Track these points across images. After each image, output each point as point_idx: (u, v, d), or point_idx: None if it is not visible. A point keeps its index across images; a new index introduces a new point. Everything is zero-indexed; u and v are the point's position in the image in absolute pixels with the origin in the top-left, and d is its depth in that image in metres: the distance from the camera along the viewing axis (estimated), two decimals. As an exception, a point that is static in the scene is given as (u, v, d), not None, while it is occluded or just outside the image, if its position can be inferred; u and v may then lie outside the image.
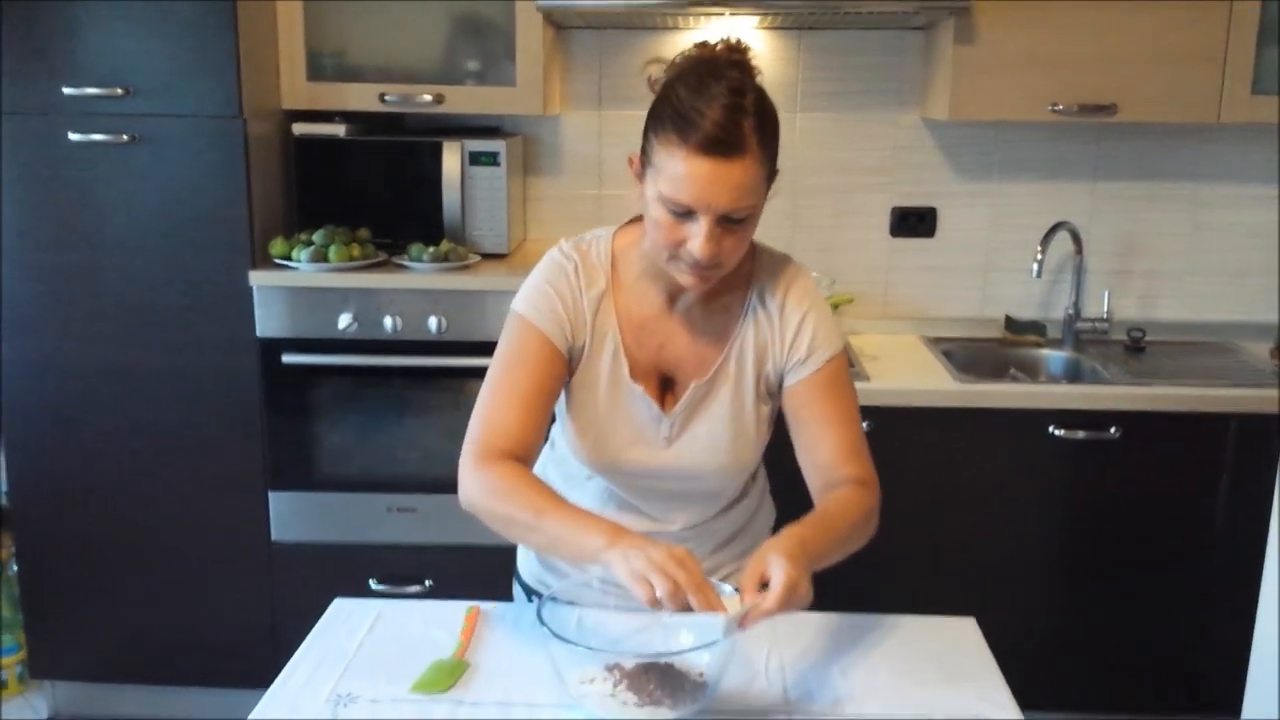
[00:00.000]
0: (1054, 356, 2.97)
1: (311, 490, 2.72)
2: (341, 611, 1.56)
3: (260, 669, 1.85)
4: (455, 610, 1.53)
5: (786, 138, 1.45)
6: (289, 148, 2.78)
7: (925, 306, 3.11)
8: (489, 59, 2.80)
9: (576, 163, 3.07)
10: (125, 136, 2.54)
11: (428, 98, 2.73)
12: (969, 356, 2.89)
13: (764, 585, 1.25)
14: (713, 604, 1.21)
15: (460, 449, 1.46)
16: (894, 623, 1.52)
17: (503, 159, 2.75)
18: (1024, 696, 1.36)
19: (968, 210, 3.06)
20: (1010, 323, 3.04)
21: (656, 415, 1.53)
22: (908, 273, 3.10)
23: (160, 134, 2.55)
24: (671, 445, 1.53)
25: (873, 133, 3.02)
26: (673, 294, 1.53)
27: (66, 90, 2.52)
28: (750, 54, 1.41)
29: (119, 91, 2.52)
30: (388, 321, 2.61)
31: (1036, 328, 3.02)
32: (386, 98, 2.74)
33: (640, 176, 1.43)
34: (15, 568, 2.84)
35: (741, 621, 1.23)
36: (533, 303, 1.51)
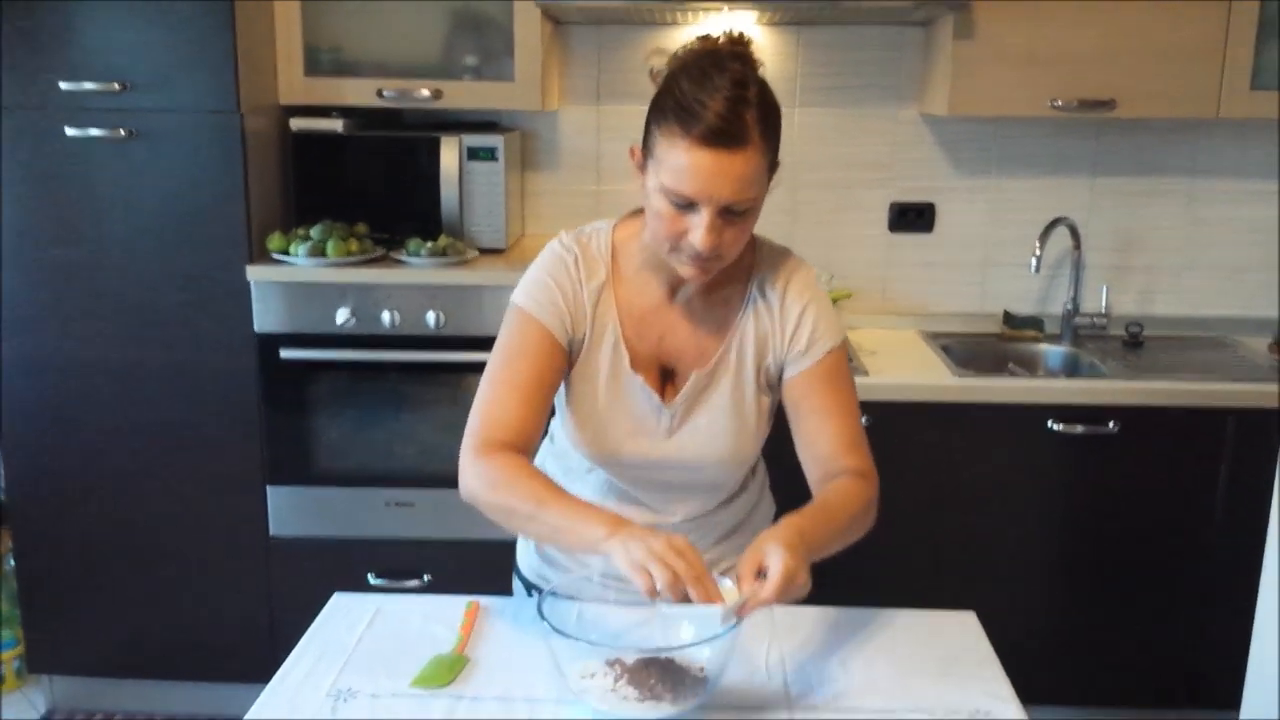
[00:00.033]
0: (1052, 351, 2.97)
1: (310, 485, 2.71)
2: (341, 606, 1.55)
3: (258, 664, 1.85)
4: (455, 605, 1.53)
5: (785, 133, 1.45)
6: (286, 143, 2.77)
7: (924, 302, 3.11)
8: (487, 54, 2.79)
9: (575, 158, 3.07)
10: (122, 132, 2.54)
11: (425, 93, 2.73)
12: (967, 351, 2.90)
13: (762, 575, 1.25)
14: (711, 596, 1.22)
15: (459, 443, 1.46)
16: (894, 617, 1.52)
17: (501, 154, 2.75)
18: (1022, 691, 1.36)
19: (967, 205, 3.05)
20: (1009, 318, 3.04)
21: (657, 406, 1.53)
22: (906, 268, 3.10)
23: (157, 129, 2.55)
24: (672, 436, 1.53)
25: (872, 128, 3.02)
26: (673, 285, 1.53)
27: (63, 85, 2.51)
28: (752, 46, 1.41)
29: (116, 86, 2.52)
30: (386, 316, 2.61)
31: (1035, 323, 3.02)
32: (384, 93, 2.73)
33: (642, 168, 1.43)
34: (13, 563, 2.83)
35: (739, 611, 1.23)
36: (533, 295, 1.51)
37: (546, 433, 1.67)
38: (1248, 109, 2.65)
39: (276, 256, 2.62)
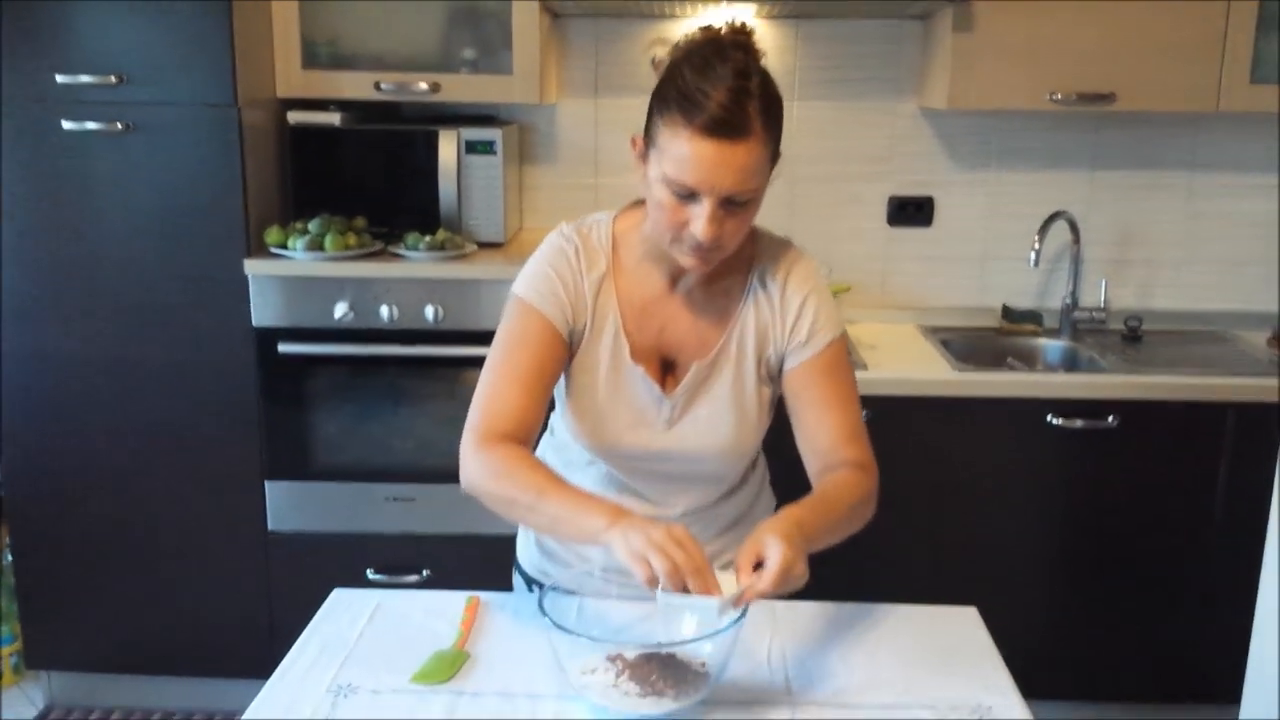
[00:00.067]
0: (1051, 346, 2.97)
1: (308, 480, 2.71)
2: (341, 602, 1.55)
3: (256, 659, 1.85)
4: (455, 600, 1.52)
5: (784, 126, 1.44)
6: (284, 136, 2.76)
7: (923, 296, 3.10)
8: (485, 47, 2.78)
9: (573, 151, 3.06)
10: (119, 125, 2.53)
11: (423, 86, 2.72)
12: (966, 346, 2.89)
13: (760, 565, 1.25)
14: (710, 588, 1.22)
15: (458, 438, 1.46)
16: (896, 612, 1.52)
17: (499, 148, 2.74)
18: (1021, 686, 1.36)
19: (965, 199, 3.05)
20: (1007, 312, 3.04)
21: (658, 397, 1.52)
22: (905, 262, 3.09)
23: (154, 122, 2.53)
24: (673, 427, 1.53)
25: (870, 122, 3.01)
26: (674, 276, 1.53)
27: (60, 78, 2.50)
28: (755, 36, 1.41)
29: (113, 79, 2.50)
30: (384, 311, 2.60)
31: (1034, 317, 3.02)
32: (382, 86, 2.72)
33: (643, 157, 1.43)
34: (11, 558, 2.83)
35: (736, 601, 1.23)
36: (533, 285, 1.50)
37: (547, 426, 1.66)
38: (1247, 102, 2.65)
39: (274, 250, 2.61)
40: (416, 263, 2.61)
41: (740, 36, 1.39)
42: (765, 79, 1.37)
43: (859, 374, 2.19)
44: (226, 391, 2.66)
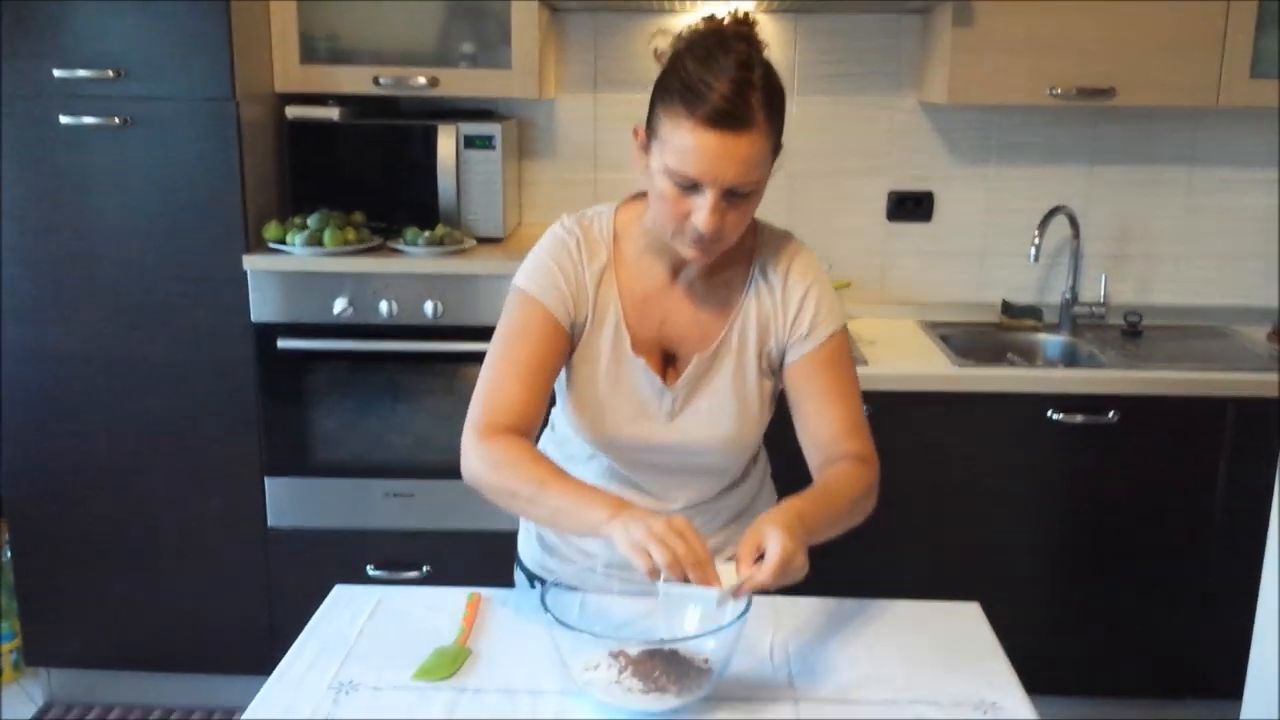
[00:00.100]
0: (1051, 341, 2.97)
1: (307, 476, 2.70)
2: (341, 598, 1.55)
3: (256, 655, 1.85)
4: (456, 597, 1.52)
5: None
6: (282, 131, 2.75)
7: (922, 291, 3.10)
8: (484, 41, 2.77)
9: (572, 146, 3.05)
10: (117, 120, 2.52)
11: (422, 81, 2.71)
12: (966, 341, 2.89)
13: (761, 556, 1.25)
14: (710, 579, 1.22)
15: (457, 433, 1.46)
16: (898, 608, 1.52)
17: (498, 142, 2.73)
18: (1021, 682, 1.36)
19: (965, 194, 3.05)
20: (1007, 307, 3.04)
21: (659, 389, 1.52)
22: (905, 257, 3.09)
23: (152, 117, 2.52)
24: (674, 420, 1.53)
25: (870, 116, 3.01)
26: (675, 268, 1.52)
27: (57, 73, 2.49)
28: (758, 28, 1.40)
29: (110, 74, 2.49)
30: (383, 306, 2.60)
31: (1033, 312, 3.01)
32: (380, 80, 2.71)
33: (645, 149, 1.42)
34: (10, 555, 2.82)
35: (736, 592, 1.23)
36: (535, 277, 1.50)
37: (548, 421, 1.66)
38: (1247, 97, 2.65)
39: (273, 246, 2.60)
40: (415, 258, 2.60)
41: (743, 27, 1.39)
42: (768, 70, 1.37)
43: (858, 369, 2.20)
44: (225, 387, 2.65)
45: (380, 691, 1.32)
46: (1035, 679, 1.37)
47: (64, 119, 2.51)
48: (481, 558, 2.20)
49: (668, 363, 1.54)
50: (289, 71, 2.71)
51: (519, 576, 1.73)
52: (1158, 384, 2.55)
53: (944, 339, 2.84)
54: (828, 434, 1.50)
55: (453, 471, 1.46)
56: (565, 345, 1.51)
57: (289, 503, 2.71)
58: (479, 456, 1.42)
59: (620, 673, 1.24)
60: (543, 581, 1.61)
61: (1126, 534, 2.64)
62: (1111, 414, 2.55)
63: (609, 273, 1.52)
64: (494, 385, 1.47)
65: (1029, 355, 2.94)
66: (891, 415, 2.42)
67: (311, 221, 2.62)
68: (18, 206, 2.58)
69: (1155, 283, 3.08)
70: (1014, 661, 1.40)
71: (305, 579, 1.82)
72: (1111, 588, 2.68)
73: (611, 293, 1.52)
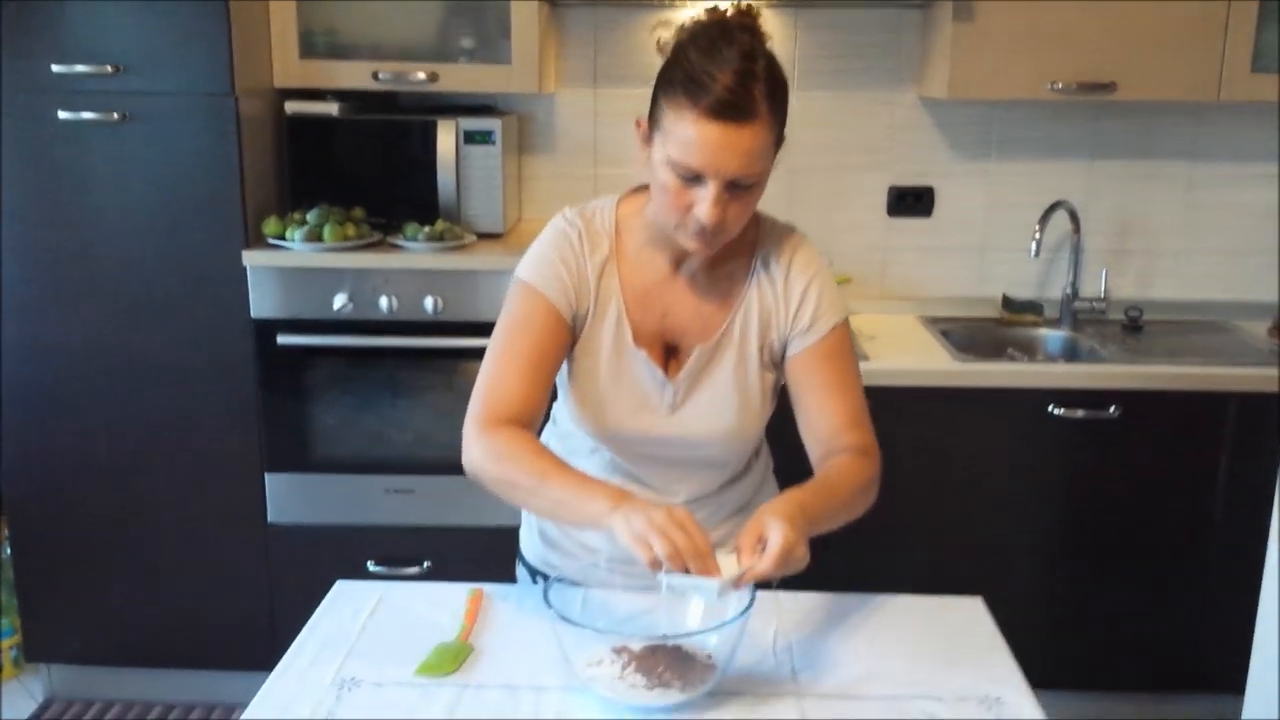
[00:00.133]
0: (1052, 336, 2.97)
1: (308, 472, 2.70)
2: (343, 594, 1.54)
3: (257, 651, 1.85)
4: (458, 592, 1.52)
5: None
6: (281, 126, 2.75)
7: (923, 286, 3.10)
8: (483, 36, 2.77)
9: (571, 141, 3.04)
10: (116, 115, 2.51)
11: (421, 76, 2.70)
12: (967, 336, 2.89)
13: (763, 547, 1.25)
14: (711, 571, 1.22)
15: (458, 429, 1.46)
16: (901, 602, 1.52)
17: (498, 138, 2.72)
18: (1028, 676, 1.36)
19: (965, 189, 3.04)
20: (1008, 302, 3.03)
21: (661, 381, 1.52)
22: (905, 252, 3.09)
23: (151, 112, 2.52)
24: (675, 412, 1.53)
25: (870, 111, 3.00)
26: (677, 260, 1.52)
27: (55, 68, 2.48)
28: (760, 19, 1.40)
29: (109, 69, 2.49)
30: (383, 302, 2.59)
31: (1034, 307, 3.01)
32: (380, 76, 2.70)
33: (647, 140, 1.42)
34: (10, 551, 2.82)
35: (738, 583, 1.23)
36: (537, 269, 1.50)
37: (549, 416, 1.66)
38: (1248, 92, 2.64)
39: (272, 241, 2.60)
40: (415, 253, 2.60)
41: (746, 19, 1.39)
42: (771, 62, 1.37)
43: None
44: (225, 383, 2.65)
45: (382, 688, 1.31)
46: (1035, 673, 1.37)
47: (63, 114, 2.51)
48: (483, 553, 2.20)
49: (669, 355, 1.54)
50: (288, 66, 2.70)
51: (521, 572, 1.73)
52: (1158, 379, 2.55)
53: (944, 334, 2.84)
54: (829, 427, 1.50)
55: (453, 467, 1.46)
56: (567, 337, 1.51)
57: (289, 499, 2.71)
58: (480, 448, 1.42)
59: (623, 668, 1.24)
60: (545, 577, 1.61)
61: (1127, 528, 2.64)
62: (1112, 409, 2.55)
63: (611, 265, 1.52)
64: (496, 377, 1.47)
65: (1030, 350, 2.93)
66: (892, 411, 2.39)
67: (311, 217, 2.62)
68: (17, 202, 2.57)
69: (1156, 278, 3.07)
70: (1015, 655, 1.40)
71: (306, 575, 1.82)
72: (1112, 582, 2.68)
73: (613, 285, 1.51)
